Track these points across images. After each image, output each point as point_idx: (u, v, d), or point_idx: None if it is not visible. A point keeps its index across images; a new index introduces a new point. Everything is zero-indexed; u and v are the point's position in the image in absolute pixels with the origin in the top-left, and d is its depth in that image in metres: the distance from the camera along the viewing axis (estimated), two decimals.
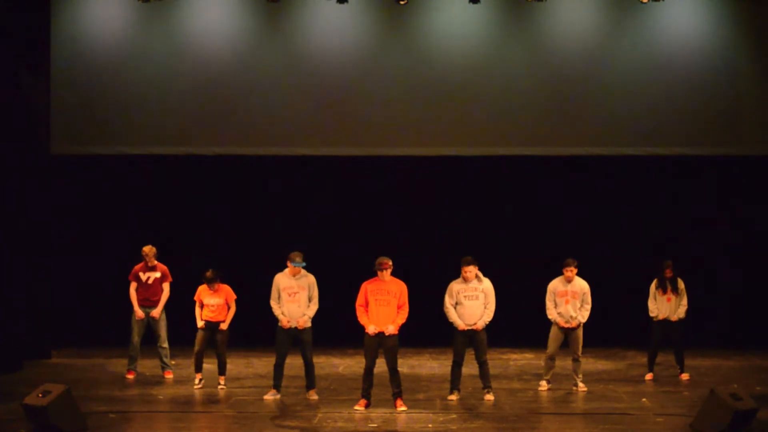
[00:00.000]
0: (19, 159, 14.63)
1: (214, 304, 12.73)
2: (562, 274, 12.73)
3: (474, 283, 12.06)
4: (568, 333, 12.69)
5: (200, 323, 12.74)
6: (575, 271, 12.68)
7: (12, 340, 14.16)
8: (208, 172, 16.41)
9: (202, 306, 12.74)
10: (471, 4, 15.18)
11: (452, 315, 12.06)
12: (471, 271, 12.02)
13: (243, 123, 15.66)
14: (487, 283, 12.12)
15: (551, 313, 12.72)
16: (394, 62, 15.63)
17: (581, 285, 12.72)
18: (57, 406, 10.17)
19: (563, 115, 15.65)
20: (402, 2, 15.20)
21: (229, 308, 12.78)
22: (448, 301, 12.08)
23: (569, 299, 12.67)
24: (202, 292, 12.77)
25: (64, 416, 10.22)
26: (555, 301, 12.69)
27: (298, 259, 12.04)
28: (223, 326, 12.74)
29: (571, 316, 12.64)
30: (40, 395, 10.23)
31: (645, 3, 15.21)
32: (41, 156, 15.16)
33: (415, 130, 15.69)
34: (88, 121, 15.58)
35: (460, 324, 12.01)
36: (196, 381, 12.76)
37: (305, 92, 15.64)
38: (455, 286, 12.12)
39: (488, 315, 12.06)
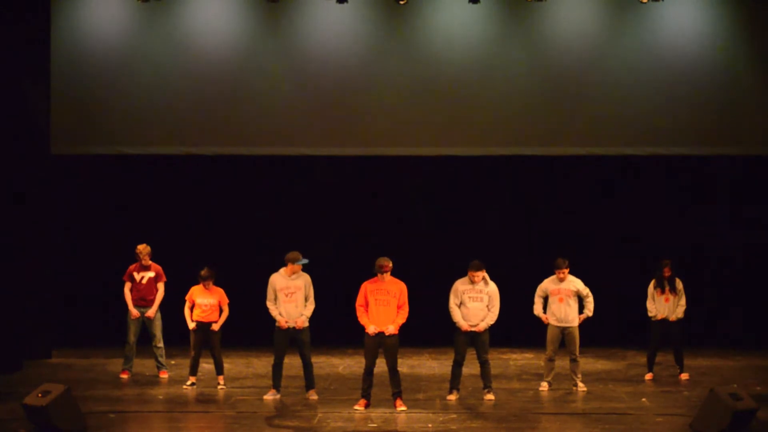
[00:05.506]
0: (19, 159, 14.63)
1: (207, 304, 12.71)
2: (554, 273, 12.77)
3: (480, 285, 12.04)
4: (564, 333, 12.69)
5: (191, 324, 12.72)
6: (567, 271, 12.68)
7: (12, 340, 14.16)
8: (207, 172, 16.41)
9: (192, 306, 12.73)
10: (471, 4, 15.17)
11: (456, 315, 12.04)
12: (479, 276, 12.02)
13: (242, 123, 15.63)
14: (492, 287, 12.10)
15: (537, 309, 12.72)
16: (394, 62, 15.60)
17: (574, 283, 12.71)
18: (57, 406, 10.17)
19: (564, 115, 15.62)
20: (402, 2, 15.19)
21: (221, 311, 12.78)
22: (453, 301, 12.06)
23: (563, 297, 12.66)
24: (196, 292, 12.75)
25: (64, 416, 10.22)
26: (548, 299, 12.69)
27: (300, 257, 12.02)
28: (215, 326, 12.73)
29: (567, 316, 12.64)
30: (40, 395, 10.23)
31: (645, 3, 15.19)
32: (41, 156, 15.14)
33: (415, 130, 15.66)
34: (88, 121, 15.55)
35: (464, 325, 12.00)
36: (188, 383, 12.77)
37: (305, 92, 15.61)
38: (460, 286, 12.10)
39: (491, 318, 12.04)
